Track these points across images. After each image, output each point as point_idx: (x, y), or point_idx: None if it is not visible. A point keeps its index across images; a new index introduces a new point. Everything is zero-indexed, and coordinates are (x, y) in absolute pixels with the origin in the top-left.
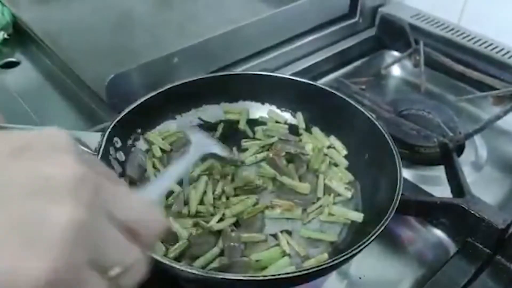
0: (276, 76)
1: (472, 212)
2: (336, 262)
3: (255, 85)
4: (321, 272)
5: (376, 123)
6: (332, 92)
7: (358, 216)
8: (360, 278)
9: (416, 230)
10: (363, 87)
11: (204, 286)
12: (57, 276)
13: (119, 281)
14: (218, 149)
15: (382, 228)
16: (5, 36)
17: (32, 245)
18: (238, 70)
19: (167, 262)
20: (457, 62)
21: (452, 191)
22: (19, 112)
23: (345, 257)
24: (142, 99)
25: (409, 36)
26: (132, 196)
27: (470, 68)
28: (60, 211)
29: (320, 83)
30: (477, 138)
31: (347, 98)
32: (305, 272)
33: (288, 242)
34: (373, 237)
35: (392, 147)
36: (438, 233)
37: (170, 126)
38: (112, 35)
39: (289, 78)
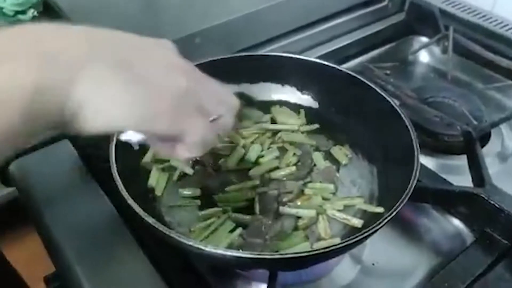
0: (296, 58)
1: (492, 202)
2: (346, 244)
3: (277, 67)
4: (331, 254)
5: (396, 107)
6: (354, 76)
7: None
8: (373, 264)
9: (433, 218)
10: (388, 72)
11: (215, 263)
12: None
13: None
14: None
15: (395, 213)
16: (35, 14)
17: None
18: (261, 51)
19: (182, 240)
20: (486, 49)
21: (473, 181)
22: None
23: (355, 239)
24: None
25: (438, 22)
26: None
27: (500, 56)
28: (182, 80)
29: (345, 67)
30: (504, 128)
31: (368, 82)
32: (315, 253)
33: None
34: (385, 221)
35: (411, 131)
36: (456, 222)
37: None
38: (137, 15)
39: (311, 61)
